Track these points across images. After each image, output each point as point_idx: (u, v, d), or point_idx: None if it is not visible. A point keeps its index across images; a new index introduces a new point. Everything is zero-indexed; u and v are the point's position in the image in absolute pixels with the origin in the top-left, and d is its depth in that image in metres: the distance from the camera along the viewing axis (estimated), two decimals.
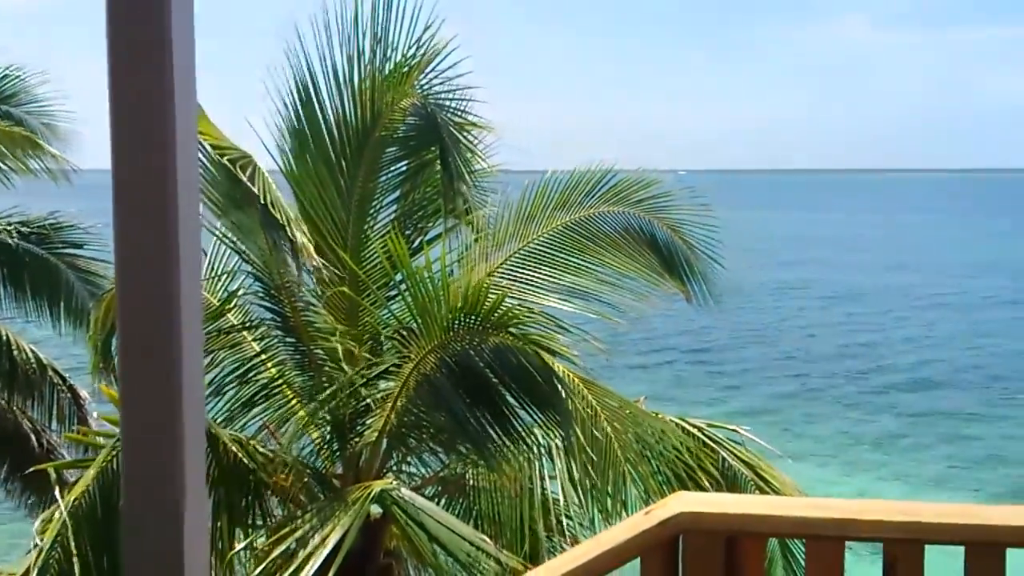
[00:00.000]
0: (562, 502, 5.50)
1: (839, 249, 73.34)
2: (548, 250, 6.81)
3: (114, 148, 1.39)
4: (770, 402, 28.52)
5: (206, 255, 6.36)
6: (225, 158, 5.47)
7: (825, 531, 2.44)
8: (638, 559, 2.52)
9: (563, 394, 4.88)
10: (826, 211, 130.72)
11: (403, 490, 5.18)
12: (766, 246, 74.86)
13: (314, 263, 5.30)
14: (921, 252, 71.42)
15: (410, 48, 6.13)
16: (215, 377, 6.03)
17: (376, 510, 5.50)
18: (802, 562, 5.58)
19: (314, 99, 6.15)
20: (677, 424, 6.53)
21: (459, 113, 6.60)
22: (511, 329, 4.68)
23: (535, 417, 5.00)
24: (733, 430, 6.79)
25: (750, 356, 34.91)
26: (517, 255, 6.74)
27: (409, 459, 6.23)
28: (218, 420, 5.86)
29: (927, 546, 2.46)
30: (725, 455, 6.42)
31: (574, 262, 6.82)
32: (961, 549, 2.45)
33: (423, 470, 6.29)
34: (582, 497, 5.23)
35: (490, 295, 4.82)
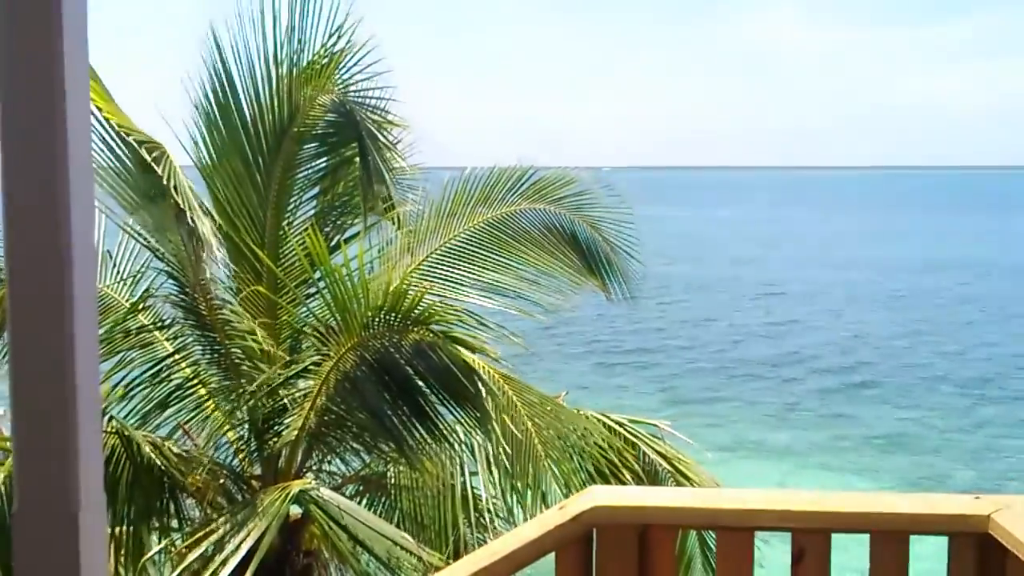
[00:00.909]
0: (484, 498, 5.51)
1: (764, 245, 74.78)
2: (470, 247, 6.82)
3: (4, 145, 1.35)
4: (693, 396, 28.98)
5: (111, 254, 6.23)
6: (141, 146, 5.34)
7: (735, 522, 2.49)
8: (553, 554, 2.54)
9: (483, 391, 4.88)
10: (750, 207, 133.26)
11: (322, 490, 5.13)
12: (689, 243, 76.11)
13: (217, 256, 5.19)
14: (847, 248, 73.22)
15: (327, 43, 6.07)
16: (127, 378, 5.90)
17: (296, 510, 5.45)
18: None
19: (230, 94, 6.05)
20: (599, 420, 6.59)
21: (378, 110, 6.57)
22: (431, 326, 4.66)
23: (455, 414, 5.00)
24: (654, 425, 6.87)
25: (675, 352, 35.39)
26: (439, 252, 6.73)
27: (330, 458, 6.17)
28: (132, 422, 5.73)
29: (834, 534, 2.52)
30: (646, 450, 6.50)
31: (496, 259, 6.83)
32: (866, 536, 2.52)
33: (344, 469, 6.25)
34: (504, 493, 5.24)
35: (410, 292, 4.80)
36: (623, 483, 5.74)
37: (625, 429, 6.56)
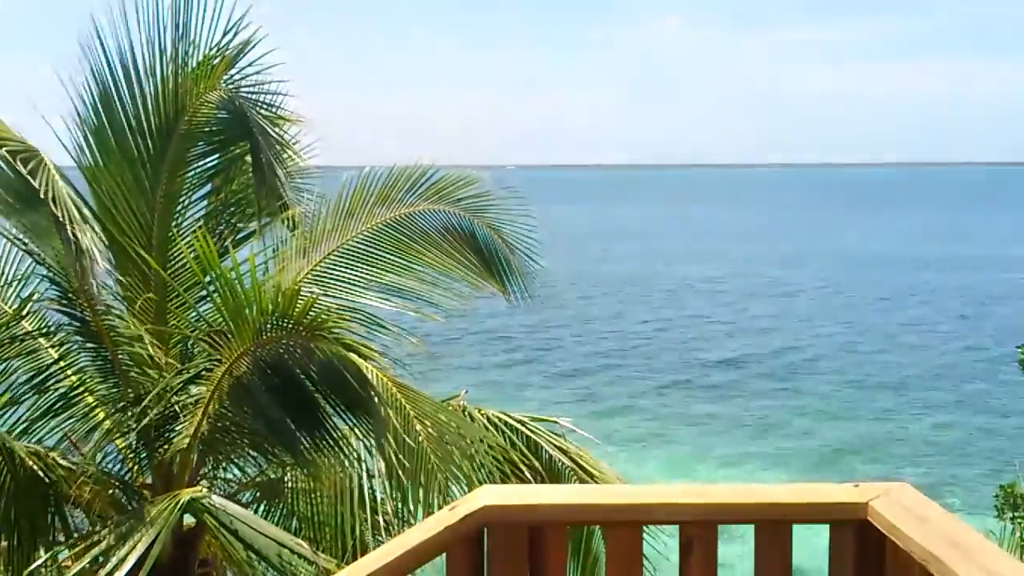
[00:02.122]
0: (379, 501, 5.46)
1: (665, 242, 76.08)
2: (368, 248, 6.74)
3: None
4: (599, 393, 29.29)
5: None
6: (16, 157, 5.11)
7: (623, 517, 2.51)
8: (444, 555, 2.52)
9: (374, 394, 4.82)
10: (656, 206, 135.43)
11: (214, 497, 5.01)
12: (598, 240, 77.00)
13: (99, 266, 5.02)
14: (743, 244, 75.02)
15: (217, 40, 5.92)
16: (10, 387, 5.67)
17: (191, 519, 5.31)
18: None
19: (114, 93, 5.85)
20: (499, 419, 6.60)
21: (271, 108, 6.45)
22: (323, 331, 4.58)
23: (347, 418, 4.93)
24: (554, 422, 6.91)
25: (580, 349, 35.72)
26: (336, 253, 6.64)
27: (225, 465, 6.03)
28: (13, 432, 5.51)
29: (720, 526, 2.56)
30: (547, 448, 6.53)
31: (394, 260, 6.77)
32: (751, 527, 2.57)
33: (241, 475, 6.12)
34: (402, 495, 5.19)
35: (302, 296, 4.71)
36: (524, 482, 5.75)
37: (526, 427, 6.58)
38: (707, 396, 29.05)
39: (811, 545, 2.95)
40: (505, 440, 6.30)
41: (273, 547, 4.83)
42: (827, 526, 2.57)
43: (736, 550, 2.92)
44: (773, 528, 2.53)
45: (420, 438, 4.77)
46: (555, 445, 6.48)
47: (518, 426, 6.52)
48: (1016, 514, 8.84)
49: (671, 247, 72.41)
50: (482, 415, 6.48)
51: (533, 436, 6.49)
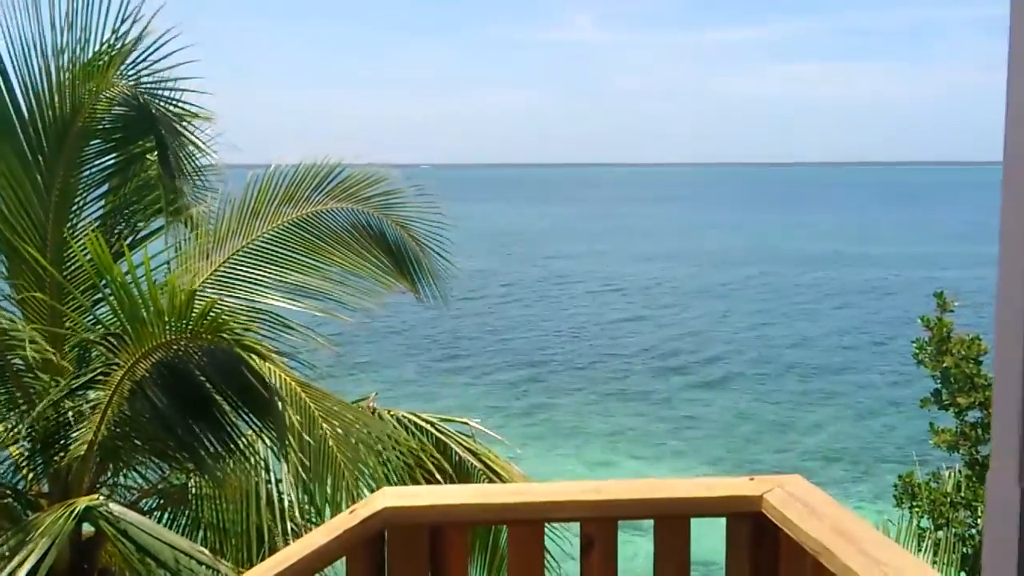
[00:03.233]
0: (287, 504, 5.38)
1: (582, 241, 76.69)
2: (274, 247, 6.62)
3: None
4: (511, 392, 29.39)
5: None
6: None
7: (524, 515, 2.52)
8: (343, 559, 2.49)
9: (277, 396, 4.75)
10: (572, 205, 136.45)
11: (112, 505, 4.87)
12: (510, 239, 77.21)
13: None
14: (676, 241, 76.11)
15: (116, 31, 5.75)
16: None
17: (90, 528, 5.15)
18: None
19: (3, 87, 5.64)
20: (409, 420, 6.56)
21: (176, 103, 6.30)
22: (224, 332, 4.49)
23: (251, 421, 4.84)
24: (464, 423, 6.90)
25: (496, 349, 35.77)
26: (241, 253, 6.51)
27: (126, 472, 5.87)
28: None
29: (620, 522, 2.59)
30: (457, 449, 6.53)
31: (301, 260, 6.67)
32: (651, 522, 2.61)
33: (142, 482, 5.96)
34: (309, 498, 5.13)
35: (202, 296, 4.61)
36: (433, 483, 5.73)
37: (436, 428, 6.57)
38: (622, 394, 29.39)
39: (713, 537, 3.00)
40: (415, 441, 6.27)
41: (174, 555, 4.71)
42: (724, 519, 2.62)
43: (636, 546, 2.96)
44: (672, 523, 2.57)
45: (327, 439, 4.71)
46: (464, 446, 6.47)
47: (428, 427, 6.50)
48: (914, 503, 9.12)
49: (589, 246, 73.05)
50: (392, 416, 6.44)
51: (442, 437, 6.48)
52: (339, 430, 4.96)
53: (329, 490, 4.80)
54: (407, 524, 2.45)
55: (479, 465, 6.41)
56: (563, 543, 3.89)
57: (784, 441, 24.93)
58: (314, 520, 5.48)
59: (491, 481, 6.38)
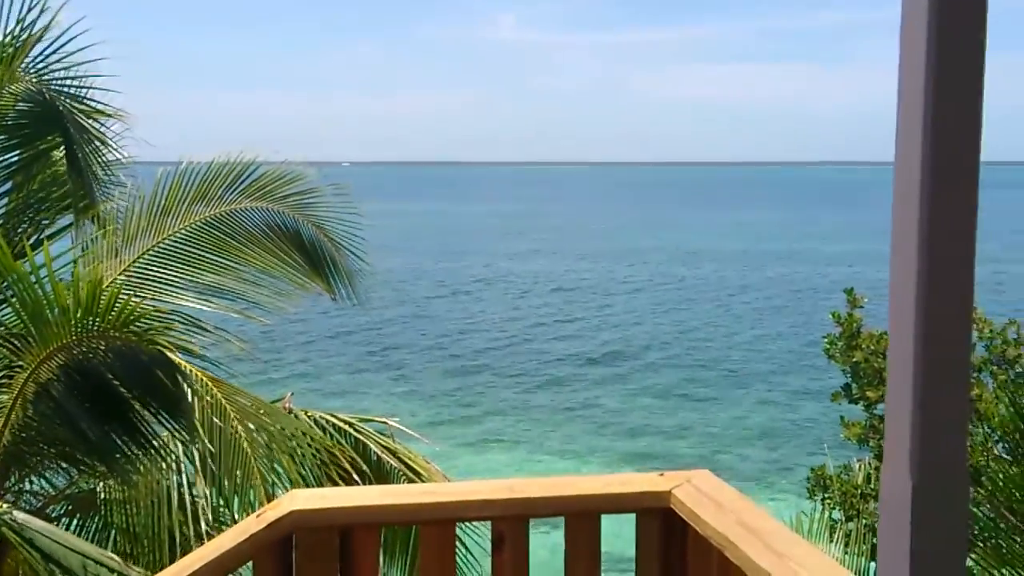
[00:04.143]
0: (200, 507, 5.28)
1: (510, 239, 76.76)
2: (186, 247, 6.49)
3: None
4: (432, 391, 29.31)
5: None
6: None
7: (435, 515, 2.51)
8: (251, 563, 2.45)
9: (189, 398, 4.65)
10: (497, 203, 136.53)
11: (16, 513, 4.71)
12: (437, 237, 76.97)
13: None
14: (602, 239, 76.60)
15: (19, 24, 5.58)
16: None
17: None
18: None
19: None
20: (327, 420, 6.50)
21: (85, 100, 6.14)
22: (133, 332, 4.38)
23: (162, 421, 4.73)
24: (383, 423, 6.86)
25: (418, 348, 35.62)
26: (152, 252, 6.37)
27: (32, 478, 5.70)
28: None
29: (532, 520, 2.60)
30: (375, 449, 6.48)
31: (215, 260, 6.55)
32: (562, 519, 2.62)
33: (49, 488, 5.79)
34: (223, 500, 5.04)
35: (107, 295, 4.49)
36: (350, 483, 5.68)
37: (354, 428, 6.51)
38: (546, 392, 29.52)
39: (626, 532, 3.03)
40: (332, 442, 6.21)
41: (82, 562, 4.58)
42: (634, 515, 2.65)
43: (548, 543, 2.97)
44: (582, 520, 2.58)
45: (240, 439, 4.63)
46: (383, 446, 6.43)
47: (346, 427, 6.44)
48: (825, 495, 9.35)
49: (516, 245, 73.18)
50: (308, 416, 6.37)
51: (361, 437, 6.43)
52: (253, 431, 4.88)
53: (242, 492, 4.71)
54: (316, 526, 2.42)
55: (398, 465, 6.38)
56: (484, 541, 3.89)
57: (705, 436, 25.33)
58: (228, 523, 5.39)
59: (410, 480, 6.34)
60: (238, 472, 4.68)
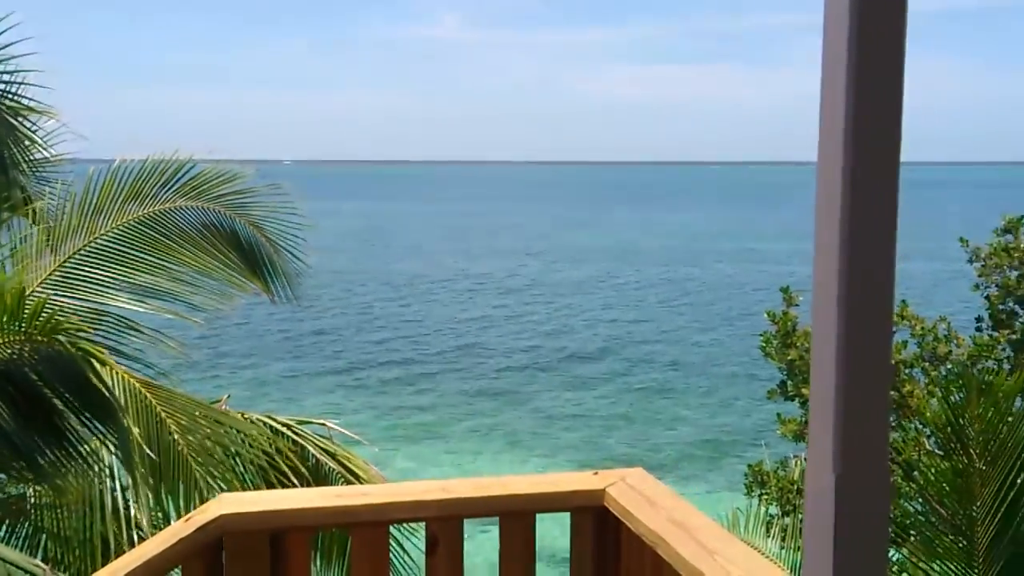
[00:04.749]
0: (134, 512, 5.17)
1: (450, 238, 76.57)
2: (119, 246, 6.36)
3: None
4: (372, 392, 29.15)
5: None
6: None
7: (367, 517, 2.49)
8: (179, 568, 2.41)
9: (120, 400, 4.56)
10: (440, 203, 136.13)
11: None
12: (378, 236, 76.54)
13: None
14: (540, 239, 76.69)
15: None
16: None
17: None
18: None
19: None
20: (264, 422, 6.41)
21: (12, 97, 5.99)
22: (59, 333, 4.28)
23: (92, 426, 4.63)
24: (322, 424, 6.79)
25: (358, 349, 35.38)
26: (83, 252, 6.23)
27: None
28: None
29: (466, 520, 2.59)
30: (313, 451, 6.41)
31: (149, 260, 6.43)
32: (496, 520, 2.61)
33: None
34: (158, 505, 4.94)
35: (34, 302, 4.38)
36: (288, 486, 5.61)
37: (292, 430, 6.43)
38: (487, 392, 29.52)
39: (559, 530, 3.03)
40: (270, 444, 6.13)
41: (6, 570, 4.47)
42: (569, 514, 2.65)
43: (482, 543, 2.96)
44: (516, 519, 2.58)
45: (175, 443, 4.55)
46: (321, 448, 6.36)
47: (284, 429, 6.36)
48: (763, 491, 9.48)
49: (455, 244, 73.05)
50: (246, 419, 6.27)
51: (299, 439, 6.35)
52: (188, 435, 4.79)
53: (176, 497, 4.63)
54: (245, 531, 2.39)
55: (336, 467, 6.31)
56: (423, 542, 3.87)
57: (644, 434, 25.54)
58: (162, 528, 5.29)
59: (349, 483, 6.29)
60: (172, 477, 4.59)
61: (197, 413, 5.14)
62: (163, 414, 4.74)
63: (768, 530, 8.00)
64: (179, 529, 2.38)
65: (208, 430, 5.12)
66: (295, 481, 5.86)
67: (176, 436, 4.68)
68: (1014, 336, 10.17)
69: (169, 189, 6.72)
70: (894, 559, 6.80)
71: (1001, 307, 10.46)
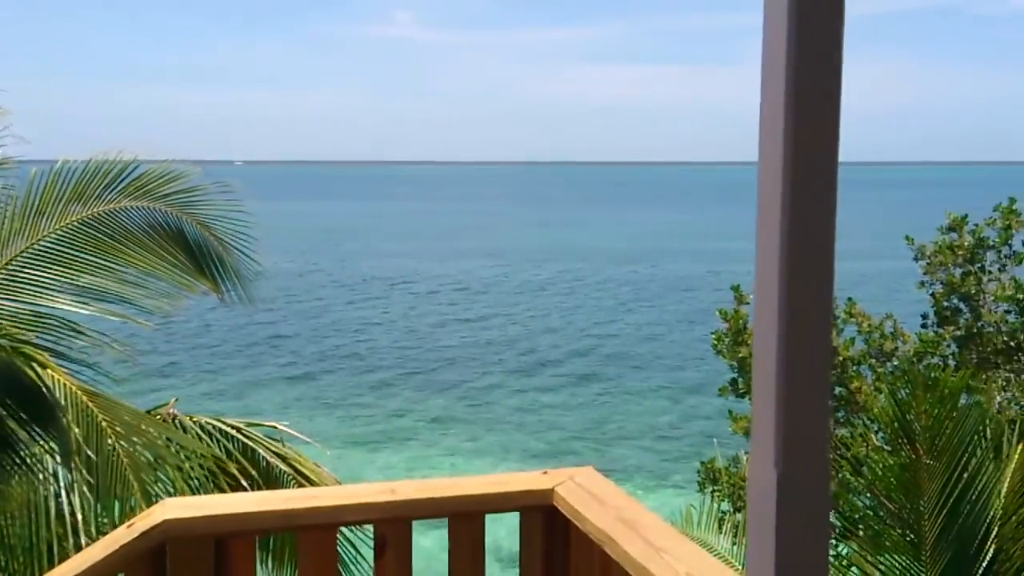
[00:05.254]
0: (80, 518, 5.08)
1: (408, 239, 76.22)
2: (62, 248, 6.24)
3: None
4: (331, 394, 28.95)
5: None
6: None
7: (314, 521, 2.46)
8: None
9: (59, 405, 4.47)
10: (397, 202, 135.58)
11: None
12: (332, 237, 75.98)
13: None
14: (496, 239, 76.58)
15: None
16: None
17: None
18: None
19: None
20: (213, 426, 6.33)
21: None
22: (2, 339, 4.19)
23: (33, 431, 4.55)
24: (273, 427, 6.72)
25: (311, 350, 35.11)
26: (25, 254, 6.11)
27: None
28: None
29: (414, 522, 2.57)
30: (264, 454, 6.34)
31: (93, 261, 6.32)
32: (445, 520, 2.60)
33: None
34: (101, 511, 4.86)
35: None
36: (237, 491, 5.55)
37: (242, 434, 6.36)
38: (443, 392, 29.45)
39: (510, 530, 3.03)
40: (220, 448, 6.06)
41: None
42: (518, 514, 2.65)
43: (432, 545, 2.95)
44: (465, 520, 2.57)
45: (116, 449, 4.47)
46: (272, 451, 6.30)
47: (233, 433, 6.28)
48: (715, 487, 9.57)
49: (414, 244, 72.75)
50: (194, 423, 6.19)
51: (249, 443, 6.28)
52: (136, 440, 4.71)
53: (122, 503, 4.55)
54: (189, 536, 2.35)
55: (288, 470, 6.25)
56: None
57: (598, 432, 25.65)
58: (107, 534, 5.20)
59: (300, 485, 6.23)
60: (112, 483, 4.51)
61: (137, 420, 5.05)
62: (103, 421, 4.66)
63: (720, 526, 8.07)
64: (121, 535, 2.33)
65: (153, 434, 5.04)
66: (245, 485, 5.79)
67: (116, 441, 4.60)
68: (959, 332, 10.37)
69: (113, 189, 6.61)
70: (843, 553, 6.89)
71: (946, 304, 10.65)
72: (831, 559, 6.87)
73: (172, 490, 4.75)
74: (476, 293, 49.67)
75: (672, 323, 41.15)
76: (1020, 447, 5.95)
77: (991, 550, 5.58)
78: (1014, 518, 5.62)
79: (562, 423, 26.43)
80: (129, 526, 2.37)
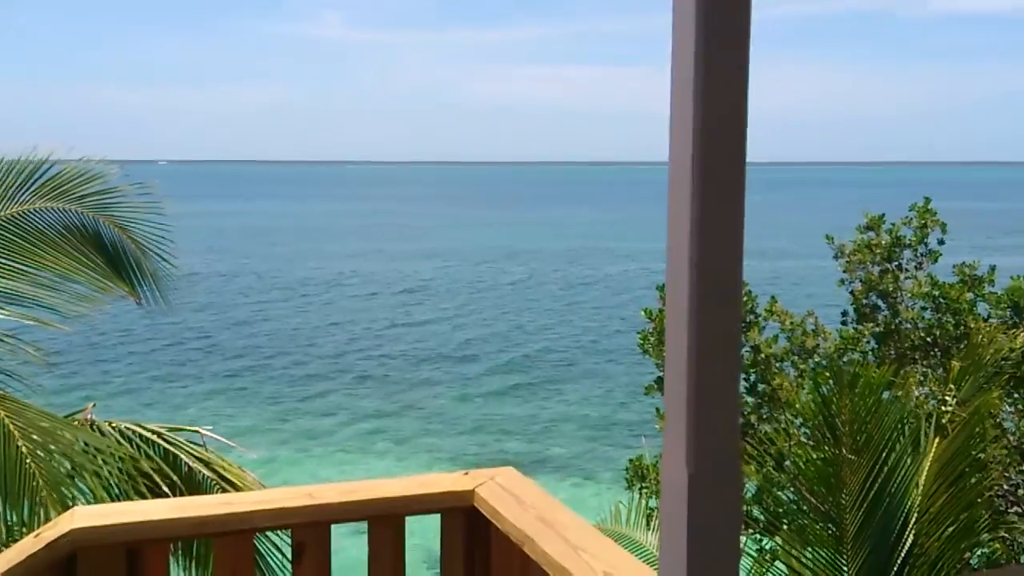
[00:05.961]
0: None
1: (338, 239, 75.46)
2: None
3: None
4: (256, 398, 28.55)
5: None
6: None
7: (230, 527, 2.42)
8: None
9: None
10: (323, 202, 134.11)
11: None
12: (254, 237, 74.88)
13: None
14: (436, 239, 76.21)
15: None
16: None
17: None
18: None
19: None
20: (133, 431, 6.19)
21: None
22: None
23: None
24: (195, 431, 6.60)
25: (232, 354, 34.56)
26: None
27: None
28: None
29: (333, 525, 2.54)
30: (186, 459, 6.22)
31: (6, 264, 6.14)
32: (365, 524, 2.57)
33: None
34: (15, 521, 4.71)
35: None
36: (160, 496, 5.44)
37: (163, 439, 6.23)
38: (372, 394, 29.25)
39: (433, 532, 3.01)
40: (140, 453, 5.93)
41: None
42: (439, 515, 2.64)
43: (352, 548, 2.92)
44: (385, 523, 2.55)
45: (25, 457, 4.33)
46: (195, 456, 6.18)
47: (154, 438, 6.15)
48: (643, 485, 9.64)
49: (337, 245, 72.07)
50: (113, 428, 6.05)
51: (171, 448, 6.16)
52: (48, 448, 4.58)
53: (32, 513, 4.41)
54: (100, 545, 2.29)
55: (211, 475, 6.15)
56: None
57: (525, 431, 25.72)
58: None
59: (224, 491, 6.12)
60: (20, 492, 4.38)
61: (52, 424, 4.91)
62: (11, 426, 4.52)
63: (648, 523, 8.13)
64: (28, 545, 2.26)
65: (69, 438, 4.91)
66: (165, 491, 5.68)
67: (25, 448, 4.46)
68: (877, 329, 10.60)
69: (27, 190, 6.44)
70: (767, 547, 7.00)
71: (865, 301, 10.88)
72: (755, 554, 6.98)
73: (91, 498, 4.63)
74: (409, 292, 49.44)
75: (605, 320, 41.45)
76: (936, 441, 6.09)
77: (908, 542, 5.71)
78: (931, 510, 5.76)
79: (494, 422, 26.45)
80: (36, 536, 2.30)
